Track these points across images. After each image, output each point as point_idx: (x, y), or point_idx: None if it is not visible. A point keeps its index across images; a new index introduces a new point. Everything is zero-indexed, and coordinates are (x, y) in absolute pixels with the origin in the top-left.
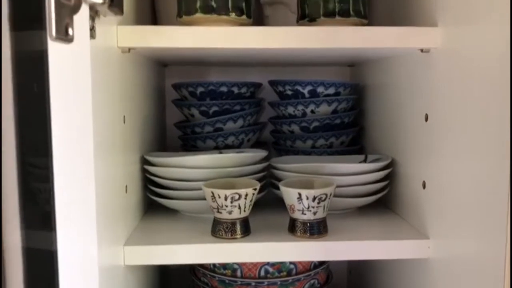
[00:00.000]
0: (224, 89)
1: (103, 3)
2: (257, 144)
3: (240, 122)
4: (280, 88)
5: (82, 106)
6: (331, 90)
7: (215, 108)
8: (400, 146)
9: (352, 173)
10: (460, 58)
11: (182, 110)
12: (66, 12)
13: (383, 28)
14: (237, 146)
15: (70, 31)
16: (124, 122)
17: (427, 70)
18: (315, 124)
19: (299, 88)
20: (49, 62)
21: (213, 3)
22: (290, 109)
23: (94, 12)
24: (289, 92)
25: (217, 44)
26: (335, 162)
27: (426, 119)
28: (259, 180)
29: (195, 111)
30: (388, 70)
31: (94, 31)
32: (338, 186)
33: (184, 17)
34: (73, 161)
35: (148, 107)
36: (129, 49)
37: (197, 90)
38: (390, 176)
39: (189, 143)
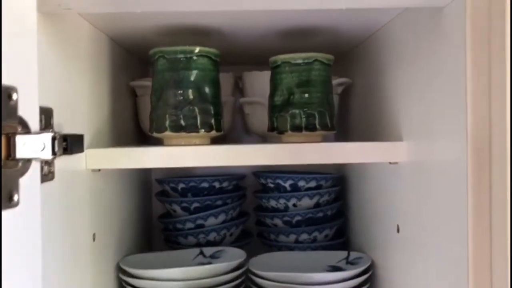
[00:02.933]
0: (205, 184)
1: (54, 158)
2: (242, 234)
3: (222, 217)
4: (263, 181)
5: (30, 264)
6: (313, 184)
7: (196, 204)
8: (379, 250)
9: (330, 281)
10: (424, 170)
11: (165, 205)
12: (11, 179)
13: (349, 144)
14: (219, 242)
15: (15, 197)
16: (93, 240)
17: (396, 181)
18: (298, 218)
19: (280, 182)
20: None
21: (182, 122)
22: (273, 202)
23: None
24: (271, 185)
25: (185, 163)
26: (318, 258)
27: (398, 230)
28: (237, 286)
29: (176, 207)
30: (363, 175)
31: (53, 172)
32: None
33: (155, 133)
34: None
35: (126, 214)
36: (99, 169)
37: (178, 186)
38: (371, 278)
39: (171, 239)
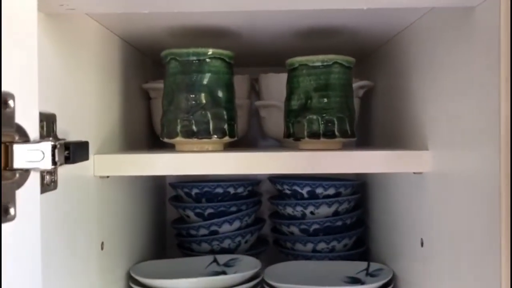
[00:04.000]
0: (220, 190)
1: (55, 167)
2: (258, 242)
3: (236, 224)
4: (279, 187)
5: (30, 279)
6: (331, 191)
7: (210, 210)
8: (402, 263)
9: None
10: (451, 182)
11: (178, 210)
12: (7, 191)
13: (370, 153)
14: (233, 249)
15: (11, 210)
16: (102, 248)
17: (420, 192)
18: (315, 226)
19: (297, 188)
20: None
21: (193, 128)
22: (289, 210)
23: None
24: (288, 192)
25: (196, 170)
26: (336, 268)
27: (422, 244)
28: None
29: (190, 213)
30: (385, 183)
31: (56, 182)
32: None
33: (166, 139)
34: None
35: (137, 220)
36: (108, 176)
37: (192, 191)
38: None
39: (185, 245)
